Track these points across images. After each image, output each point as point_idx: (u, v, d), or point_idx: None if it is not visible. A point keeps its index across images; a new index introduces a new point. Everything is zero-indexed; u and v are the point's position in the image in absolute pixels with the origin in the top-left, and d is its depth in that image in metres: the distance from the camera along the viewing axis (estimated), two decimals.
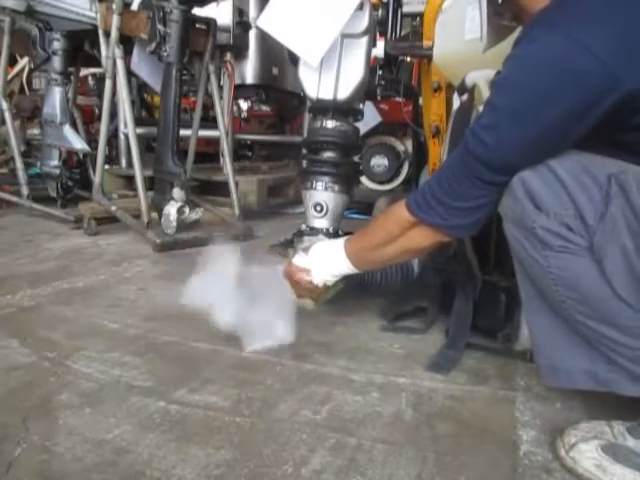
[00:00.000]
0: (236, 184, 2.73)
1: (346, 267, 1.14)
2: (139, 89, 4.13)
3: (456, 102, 1.27)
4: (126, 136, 3.17)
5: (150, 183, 2.46)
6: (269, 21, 1.30)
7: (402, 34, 2.47)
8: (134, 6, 2.51)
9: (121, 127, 3.27)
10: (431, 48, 1.78)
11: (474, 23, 1.15)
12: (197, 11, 2.60)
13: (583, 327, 0.82)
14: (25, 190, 2.73)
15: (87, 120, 3.56)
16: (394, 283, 1.40)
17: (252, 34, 3.26)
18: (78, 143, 2.77)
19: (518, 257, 0.88)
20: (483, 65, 1.14)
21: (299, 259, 1.20)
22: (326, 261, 1.16)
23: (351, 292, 1.38)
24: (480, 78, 1.15)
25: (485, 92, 1.12)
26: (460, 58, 1.33)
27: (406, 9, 2.51)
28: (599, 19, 0.77)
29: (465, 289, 1.27)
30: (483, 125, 0.86)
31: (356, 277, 1.35)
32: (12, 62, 3.76)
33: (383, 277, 1.38)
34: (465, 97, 1.21)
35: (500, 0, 0.98)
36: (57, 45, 2.70)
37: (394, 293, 1.46)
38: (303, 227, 1.56)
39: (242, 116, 4.85)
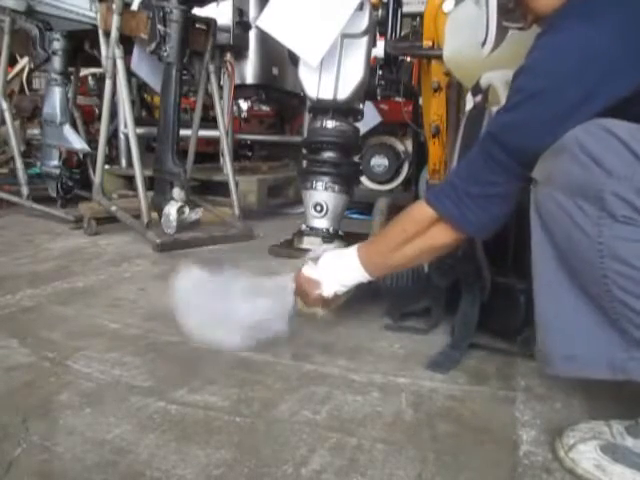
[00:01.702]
0: (236, 184, 2.73)
1: (360, 275, 1.12)
2: (139, 89, 4.14)
3: (469, 103, 1.27)
4: (126, 136, 3.17)
5: (150, 183, 2.46)
6: (269, 21, 1.30)
7: (402, 34, 2.47)
8: (134, 6, 2.52)
9: (121, 127, 3.28)
10: (431, 48, 1.78)
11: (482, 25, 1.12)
12: (197, 11, 2.60)
13: (620, 305, 0.76)
14: (25, 190, 2.73)
15: (87, 120, 3.56)
16: (405, 284, 1.40)
17: (252, 34, 3.26)
18: (78, 143, 2.78)
19: (551, 230, 0.82)
20: (496, 66, 1.14)
21: (308, 269, 1.18)
22: (337, 272, 1.14)
23: (362, 295, 1.38)
24: (496, 79, 1.15)
25: (501, 93, 1.12)
26: (472, 59, 1.32)
27: (406, 9, 2.52)
28: (621, 9, 0.81)
29: (472, 290, 1.27)
30: (506, 107, 0.89)
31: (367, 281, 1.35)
32: (12, 62, 3.77)
33: (394, 279, 1.38)
34: (479, 98, 1.21)
35: (511, 2, 0.97)
36: (57, 45, 2.70)
37: (404, 295, 1.46)
38: (303, 227, 1.56)
39: (242, 116, 4.85)
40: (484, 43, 1.03)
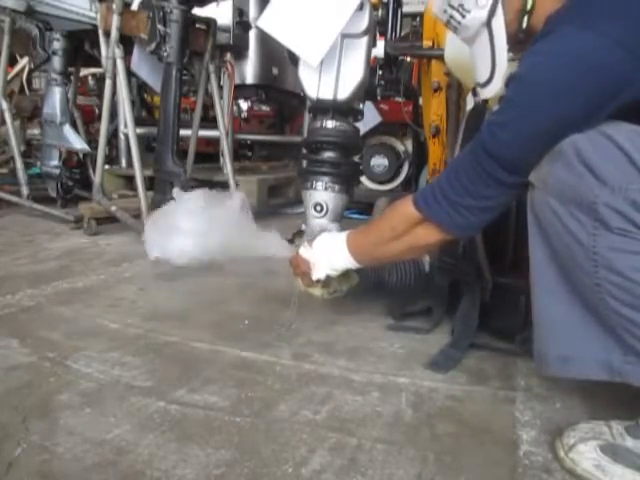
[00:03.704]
0: (236, 184, 2.73)
1: (348, 262, 1.14)
2: (139, 89, 4.13)
3: (470, 102, 1.26)
4: (126, 136, 3.17)
5: (150, 183, 2.46)
6: (269, 21, 1.30)
7: (402, 34, 2.47)
8: (134, 6, 2.52)
9: (121, 127, 3.27)
10: (431, 48, 1.78)
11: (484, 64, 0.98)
12: (197, 11, 2.60)
13: (614, 314, 0.76)
14: (25, 190, 2.74)
15: (87, 120, 3.56)
16: (408, 283, 1.41)
17: (252, 34, 3.26)
18: (78, 143, 2.78)
19: (548, 234, 0.82)
20: None
21: (304, 251, 1.21)
22: (328, 256, 1.16)
23: (368, 292, 1.39)
24: None
25: (501, 93, 1.11)
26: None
27: (406, 9, 2.52)
28: (621, 12, 0.77)
29: (473, 290, 1.27)
30: (499, 122, 0.84)
31: (373, 277, 1.36)
32: (12, 62, 3.77)
33: (399, 277, 1.39)
34: (479, 98, 1.20)
35: (522, 32, 0.93)
36: (57, 45, 2.70)
37: (407, 293, 1.46)
38: (303, 227, 1.56)
39: (242, 116, 4.85)
40: (488, 82, 0.96)
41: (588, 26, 0.77)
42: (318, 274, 1.18)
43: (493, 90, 0.96)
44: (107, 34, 2.40)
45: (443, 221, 0.94)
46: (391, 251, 1.05)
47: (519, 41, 0.95)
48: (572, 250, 0.78)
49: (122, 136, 3.32)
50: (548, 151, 0.80)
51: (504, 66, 0.93)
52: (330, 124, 1.46)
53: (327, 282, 1.23)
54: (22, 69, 4.15)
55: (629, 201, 0.72)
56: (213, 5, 2.76)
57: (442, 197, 0.93)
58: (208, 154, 4.16)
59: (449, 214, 0.92)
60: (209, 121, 3.70)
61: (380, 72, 3.04)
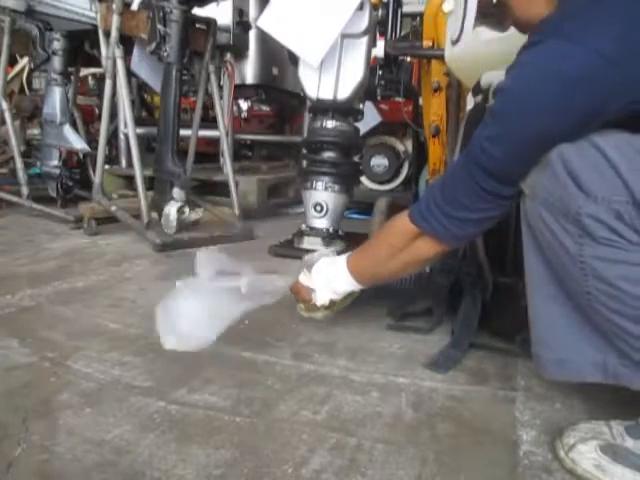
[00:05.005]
0: (236, 184, 2.73)
1: (350, 285, 1.14)
2: (139, 89, 4.13)
3: (470, 103, 1.26)
4: (126, 136, 3.17)
5: (150, 183, 2.46)
6: (269, 21, 1.30)
7: (402, 34, 2.47)
8: (134, 6, 2.52)
9: (121, 127, 3.27)
10: (431, 48, 1.78)
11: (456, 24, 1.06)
12: (197, 11, 2.60)
13: (605, 321, 0.77)
14: (25, 190, 2.73)
15: (87, 120, 3.56)
16: (408, 285, 1.41)
17: (252, 34, 3.26)
18: (78, 143, 2.78)
19: (539, 240, 0.83)
20: (496, 66, 1.13)
21: (304, 278, 1.21)
22: (329, 281, 1.16)
23: (362, 296, 1.39)
24: (497, 79, 1.13)
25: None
26: (473, 59, 1.31)
27: (406, 9, 2.52)
28: (607, 25, 0.76)
29: (473, 290, 1.27)
30: (489, 136, 0.84)
31: None
32: (12, 62, 3.77)
33: (398, 280, 1.39)
34: (479, 98, 1.21)
35: (493, 6, 0.93)
36: (57, 45, 2.70)
37: (407, 293, 1.46)
38: (303, 227, 1.56)
39: (242, 116, 4.84)
40: (456, 42, 0.99)
41: (574, 39, 0.76)
42: (322, 300, 1.19)
43: (458, 50, 1.00)
44: (107, 34, 2.40)
45: (441, 233, 0.95)
46: (392, 268, 1.05)
47: (486, 15, 0.96)
48: (562, 258, 0.79)
49: (122, 136, 3.32)
50: (538, 161, 0.81)
51: (470, 31, 0.98)
52: (330, 124, 1.46)
53: (330, 304, 1.23)
54: (22, 69, 4.16)
55: (613, 212, 0.73)
56: (213, 5, 2.75)
57: (437, 210, 0.93)
58: (208, 154, 4.16)
59: (445, 227, 0.93)
60: (209, 121, 3.70)
61: (380, 72, 3.04)
